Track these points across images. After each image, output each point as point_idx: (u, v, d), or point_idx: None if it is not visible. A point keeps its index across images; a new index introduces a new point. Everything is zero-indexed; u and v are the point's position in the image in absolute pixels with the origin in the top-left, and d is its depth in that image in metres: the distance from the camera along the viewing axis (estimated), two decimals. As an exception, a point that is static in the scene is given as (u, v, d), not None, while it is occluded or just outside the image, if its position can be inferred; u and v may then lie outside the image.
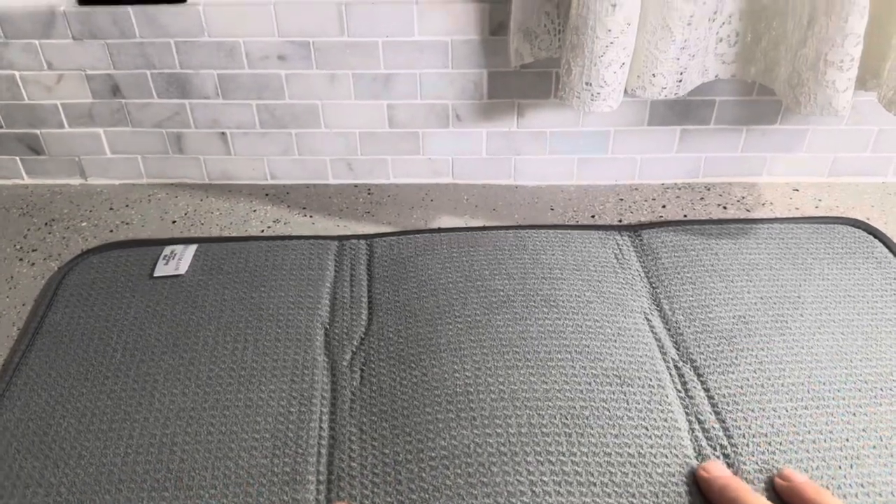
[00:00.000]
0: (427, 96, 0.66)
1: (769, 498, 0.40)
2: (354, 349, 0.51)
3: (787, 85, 0.53)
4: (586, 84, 0.53)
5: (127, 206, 0.69)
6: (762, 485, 0.42)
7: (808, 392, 0.47)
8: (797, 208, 0.67)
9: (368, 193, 0.71)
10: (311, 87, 0.65)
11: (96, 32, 0.63)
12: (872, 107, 0.65)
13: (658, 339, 0.51)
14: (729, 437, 0.44)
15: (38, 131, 0.69)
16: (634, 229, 0.63)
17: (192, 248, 0.60)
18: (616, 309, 0.54)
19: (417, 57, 0.63)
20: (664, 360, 0.50)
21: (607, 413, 0.45)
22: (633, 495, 0.41)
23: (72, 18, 0.62)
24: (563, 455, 0.43)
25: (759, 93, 0.65)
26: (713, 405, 0.46)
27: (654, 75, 0.54)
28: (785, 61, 0.53)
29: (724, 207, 0.67)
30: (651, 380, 0.48)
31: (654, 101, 0.66)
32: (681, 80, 0.55)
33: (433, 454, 0.43)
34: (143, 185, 0.72)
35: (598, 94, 0.53)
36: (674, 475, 0.42)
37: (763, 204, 0.68)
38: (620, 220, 0.66)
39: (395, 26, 0.61)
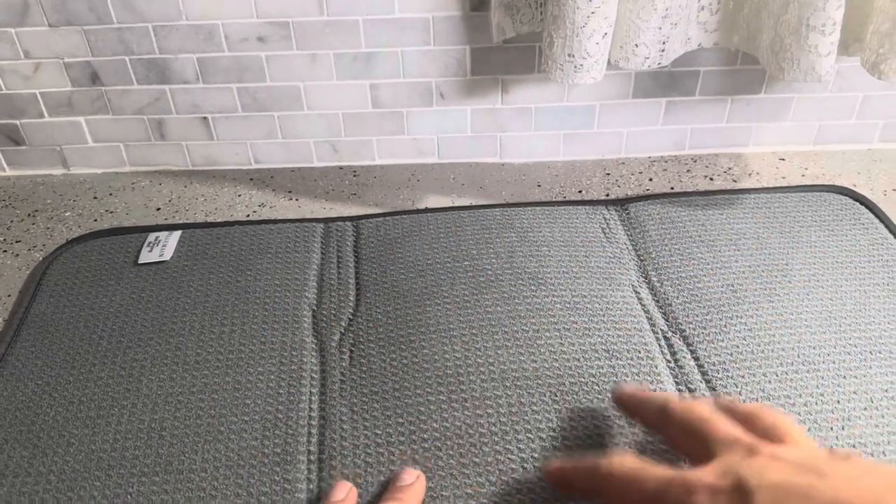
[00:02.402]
0: (410, 75, 0.65)
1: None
2: (343, 330, 0.51)
3: (769, 51, 0.53)
4: (569, 56, 0.52)
5: (110, 194, 0.69)
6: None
7: (799, 357, 0.47)
8: (783, 178, 0.67)
9: (354, 175, 0.70)
10: (292, 69, 0.65)
11: (72, 19, 0.62)
12: (857, 73, 0.65)
13: (647, 312, 0.51)
14: (719, 404, 0.44)
15: (17, 121, 0.68)
16: (621, 203, 0.62)
17: (177, 234, 0.60)
18: (604, 283, 0.53)
19: (398, 35, 0.62)
20: (653, 331, 0.50)
21: (596, 388, 0.45)
22: None
23: (46, 5, 0.61)
24: (554, 431, 0.43)
25: (742, 62, 0.64)
26: (703, 373, 0.46)
27: (636, 45, 0.54)
28: (767, 27, 0.53)
29: (711, 179, 0.67)
30: (640, 352, 0.48)
31: (639, 73, 0.65)
32: (664, 50, 0.55)
33: (426, 435, 0.43)
34: (127, 174, 0.72)
35: (581, 65, 0.53)
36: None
37: (749, 174, 0.68)
38: (607, 195, 0.66)
39: (375, 4, 0.61)
